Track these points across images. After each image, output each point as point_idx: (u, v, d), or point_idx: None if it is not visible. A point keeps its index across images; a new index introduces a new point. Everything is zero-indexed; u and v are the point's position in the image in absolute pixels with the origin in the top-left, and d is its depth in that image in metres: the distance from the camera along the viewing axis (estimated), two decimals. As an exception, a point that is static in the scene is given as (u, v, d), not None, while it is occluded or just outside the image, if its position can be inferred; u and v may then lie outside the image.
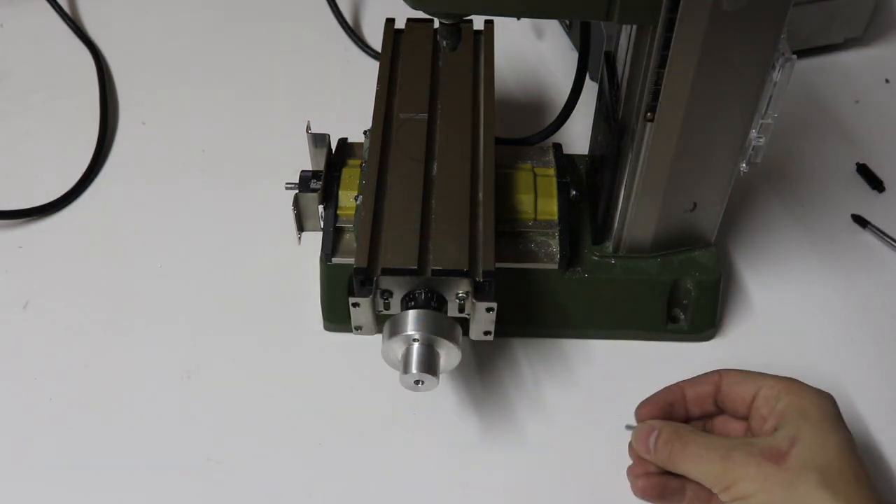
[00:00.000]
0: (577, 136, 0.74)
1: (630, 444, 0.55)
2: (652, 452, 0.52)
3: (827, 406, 0.50)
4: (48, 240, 0.71)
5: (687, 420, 0.55)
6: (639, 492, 0.54)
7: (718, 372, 0.54)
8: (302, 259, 0.65)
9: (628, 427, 0.55)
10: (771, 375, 0.52)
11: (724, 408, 0.54)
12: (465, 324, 0.55)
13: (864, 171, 0.76)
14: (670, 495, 0.53)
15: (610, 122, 0.57)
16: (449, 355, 0.53)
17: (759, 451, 0.47)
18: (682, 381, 0.55)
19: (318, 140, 0.62)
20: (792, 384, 0.51)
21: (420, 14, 0.51)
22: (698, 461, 0.49)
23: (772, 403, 0.50)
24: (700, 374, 0.55)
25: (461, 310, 0.54)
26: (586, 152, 0.69)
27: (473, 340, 0.55)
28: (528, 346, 0.64)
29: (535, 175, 0.63)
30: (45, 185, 0.74)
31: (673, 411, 0.54)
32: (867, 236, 0.71)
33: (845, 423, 0.49)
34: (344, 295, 0.60)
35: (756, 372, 0.53)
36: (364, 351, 0.62)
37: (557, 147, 0.66)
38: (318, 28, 0.89)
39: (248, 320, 0.65)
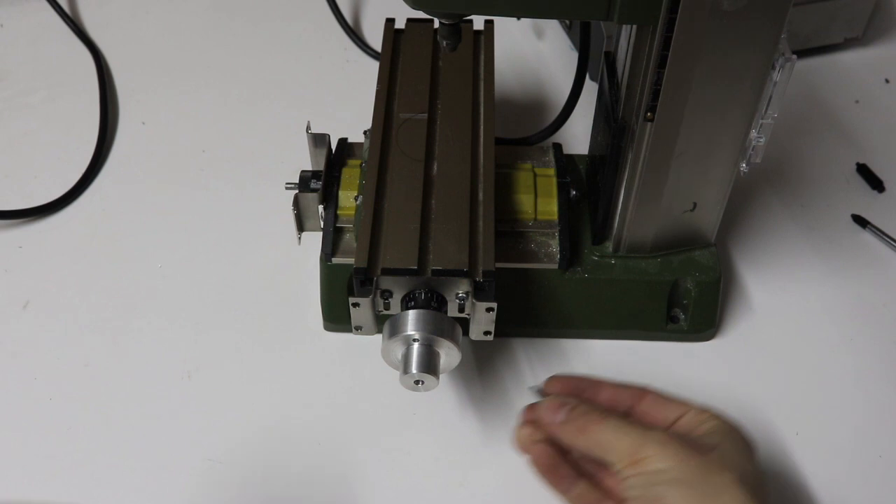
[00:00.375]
0: (577, 136, 0.74)
1: (527, 407, 0.54)
2: (562, 419, 0.50)
3: (744, 442, 0.49)
4: (48, 240, 0.71)
5: None
6: (532, 455, 0.52)
7: (645, 389, 0.53)
8: (302, 259, 0.66)
9: (534, 389, 0.54)
10: (694, 406, 0.51)
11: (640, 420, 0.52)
12: (465, 324, 0.55)
13: (864, 171, 0.76)
14: (559, 478, 0.52)
15: (610, 122, 0.57)
16: (449, 355, 0.53)
17: (679, 437, 0.47)
18: (604, 380, 0.54)
19: (318, 140, 0.62)
20: (714, 416, 0.50)
21: (420, 14, 0.51)
22: (615, 432, 0.48)
23: (694, 425, 0.50)
24: (629, 383, 0.54)
25: (461, 310, 0.54)
26: (586, 152, 0.69)
27: (473, 340, 0.55)
28: (528, 346, 0.64)
29: (535, 175, 0.63)
30: (45, 185, 0.74)
31: (580, 399, 0.52)
32: (867, 236, 0.71)
33: (762, 491, 0.48)
34: (344, 295, 0.60)
35: (679, 400, 0.52)
36: (364, 351, 0.62)
37: (557, 147, 0.66)
38: (318, 28, 0.89)
39: (248, 320, 0.65)
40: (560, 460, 0.51)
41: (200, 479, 0.57)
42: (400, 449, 0.59)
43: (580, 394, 0.53)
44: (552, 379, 0.54)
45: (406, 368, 0.52)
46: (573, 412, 0.50)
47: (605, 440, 0.48)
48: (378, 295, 0.53)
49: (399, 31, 0.69)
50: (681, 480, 0.45)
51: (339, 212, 0.61)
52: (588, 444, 0.49)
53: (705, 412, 0.50)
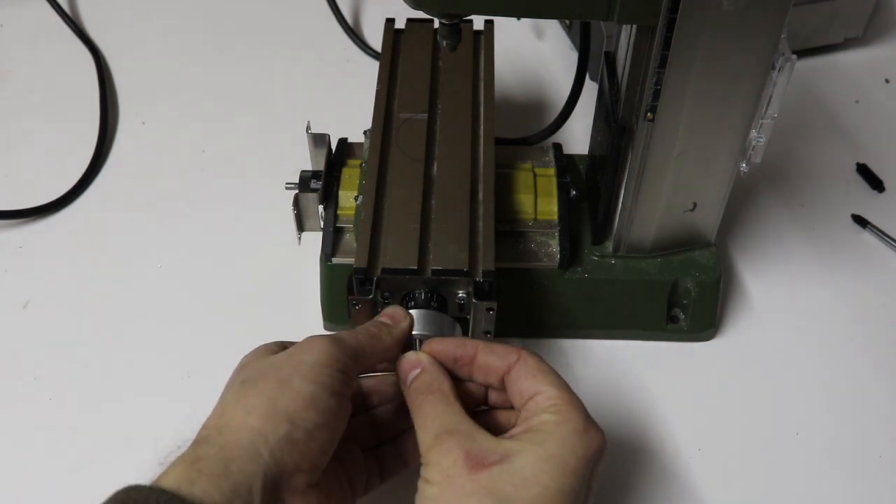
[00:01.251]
0: (577, 136, 0.74)
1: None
2: (405, 388, 0.48)
3: (577, 449, 0.43)
4: (48, 240, 0.71)
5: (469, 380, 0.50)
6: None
7: (519, 353, 0.48)
8: (302, 259, 0.65)
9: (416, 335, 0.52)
10: (560, 387, 0.46)
11: (508, 392, 0.48)
12: (465, 324, 0.55)
13: (864, 171, 0.76)
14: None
15: (610, 122, 0.57)
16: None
17: (467, 448, 0.43)
18: (481, 342, 0.49)
19: (318, 140, 0.62)
20: (568, 407, 0.45)
21: (420, 14, 0.51)
22: (420, 426, 0.46)
23: (537, 411, 0.45)
24: (508, 346, 0.49)
25: (461, 310, 0.54)
26: (586, 152, 0.69)
27: (473, 340, 0.55)
28: (528, 346, 0.63)
29: (535, 175, 0.63)
30: (45, 185, 0.74)
31: (456, 367, 0.49)
32: (867, 236, 0.71)
33: (587, 477, 0.44)
34: (344, 295, 0.60)
35: (550, 374, 0.47)
36: (364, 351, 0.62)
37: (557, 147, 0.66)
38: (318, 28, 0.89)
39: (248, 320, 0.65)
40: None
41: (200, 479, 0.57)
42: (400, 449, 0.59)
43: (454, 364, 0.49)
44: (431, 342, 0.50)
45: (406, 368, 0.52)
46: (413, 383, 0.48)
47: (417, 426, 0.46)
48: (378, 295, 0.53)
49: (399, 31, 0.69)
50: (437, 500, 0.43)
51: (339, 212, 0.61)
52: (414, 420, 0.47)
53: (554, 398, 0.45)
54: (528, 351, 0.48)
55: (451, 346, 0.49)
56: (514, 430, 0.46)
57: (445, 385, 0.47)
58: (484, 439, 0.44)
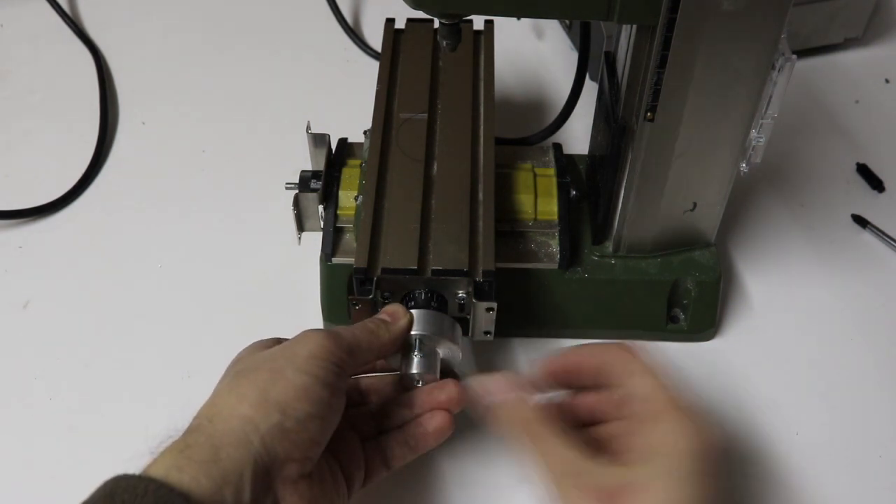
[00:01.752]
0: (577, 136, 0.74)
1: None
2: (484, 407, 0.48)
3: (697, 451, 0.43)
4: (48, 240, 0.71)
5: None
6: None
7: (609, 349, 0.48)
8: (302, 259, 0.65)
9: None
10: (654, 387, 0.45)
11: (608, 391, 0.48)
12: (465, 324, 0.55)
13: (864, 171, 0.76)
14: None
15: (610, 122, 0.58)
16: (449, 355, 0.53)
17: (595, 486, 0.43)
18: (580, 348, 0.49)
19: (318, 140, 0.62)
20: (664, 408, 0.45)
21: (420, 14, 0.51)
22: (539, 463, 0.45)
23: (637, 420, 0.45)
24: (600, 344, 0.49)
25: (461, 310, 0.54)
26: (586, 152, 0.69)
27: (473, 340, 0.55)
28: (528, 346, 0.64)
29: (535, 175, 0.63)
30: (45, 185, 0.74)
31: (569, 379, 0.49)
32: (867, 236, 0.71)
33: (713, 474, 0.43)
34: (344, 295, 0.60)
35: (641, 374, 0.46)
36: (364, 351, 0.62)
37: (557, 147, 0.66)
38: (318, 28, 0.89)
39: (248, 320, 0.65)
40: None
41: (200, 479, 0.57)
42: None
43: (569, 377, 0.49)
44: (546, 363, 0.50)
45: (406, 368, 0.52)
46: (506, 414, 0.47)
47: (534, 460, 0.46)
48: (378, 295, 0.53)
49: (399, 31, 0.69)
50: None
51: (339, 212, 0.61)
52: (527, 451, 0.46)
53: (651, 400, 0.45)
54: (619, 346, 0.48)
55: (560, 364, 0.49)
56: (632, 456, 0.44)
57: (540, 417, 0.46)
58: (604, 472, 0.43)
